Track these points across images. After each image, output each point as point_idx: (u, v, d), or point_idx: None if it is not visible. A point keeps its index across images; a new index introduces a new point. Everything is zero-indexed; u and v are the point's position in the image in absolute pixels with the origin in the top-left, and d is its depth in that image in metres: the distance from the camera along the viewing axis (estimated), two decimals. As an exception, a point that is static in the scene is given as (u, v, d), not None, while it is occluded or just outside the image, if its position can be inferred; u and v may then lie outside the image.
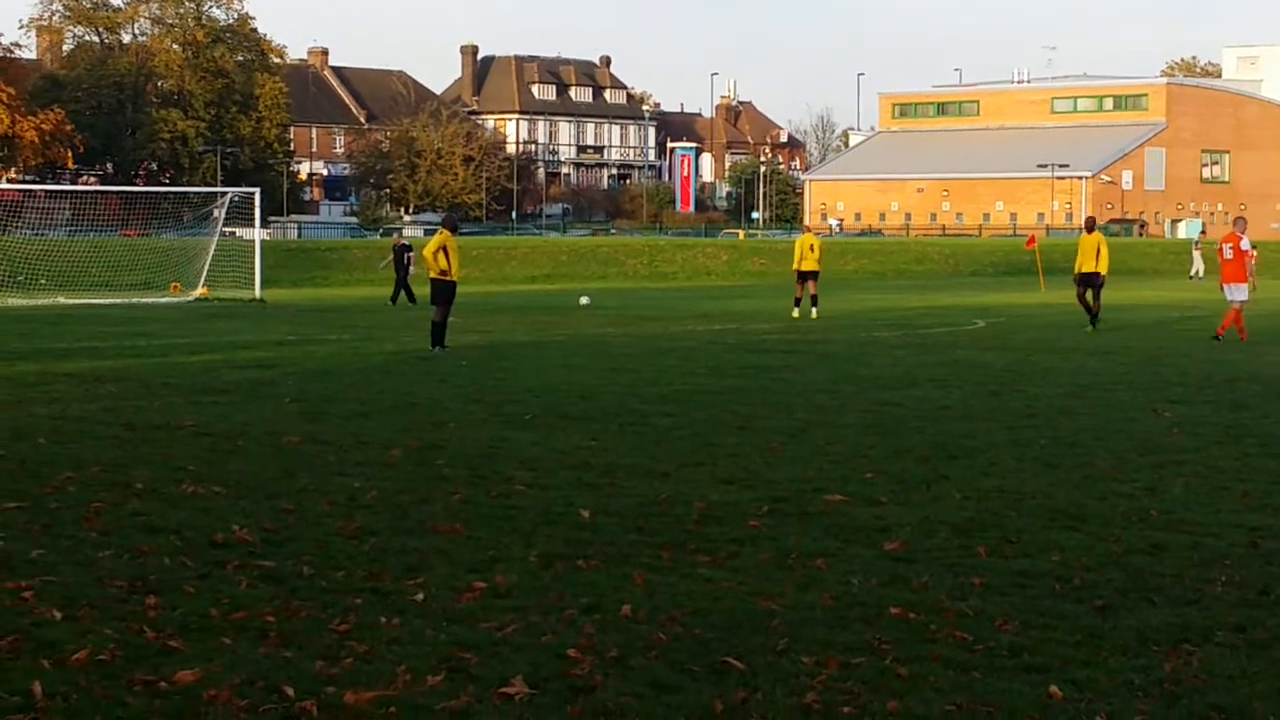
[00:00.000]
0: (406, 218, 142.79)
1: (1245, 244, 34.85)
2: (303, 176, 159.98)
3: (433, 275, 30.22)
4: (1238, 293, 34.23)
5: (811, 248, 43.26)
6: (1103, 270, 36.73)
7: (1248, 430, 18.50)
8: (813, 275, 42.80)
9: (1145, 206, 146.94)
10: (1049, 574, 10.82)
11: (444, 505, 13.26)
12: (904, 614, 9.71)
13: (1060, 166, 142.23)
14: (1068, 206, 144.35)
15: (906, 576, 10.74)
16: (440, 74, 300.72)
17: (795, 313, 42.48)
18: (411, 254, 50.96)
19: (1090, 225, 38.72)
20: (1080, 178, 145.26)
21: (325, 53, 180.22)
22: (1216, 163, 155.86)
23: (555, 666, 8.61)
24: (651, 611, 9.75)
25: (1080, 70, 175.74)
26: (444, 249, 30.02)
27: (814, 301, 42.53)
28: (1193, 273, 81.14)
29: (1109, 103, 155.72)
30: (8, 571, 10.69)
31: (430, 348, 29.63)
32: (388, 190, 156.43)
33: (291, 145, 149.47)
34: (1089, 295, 36.62)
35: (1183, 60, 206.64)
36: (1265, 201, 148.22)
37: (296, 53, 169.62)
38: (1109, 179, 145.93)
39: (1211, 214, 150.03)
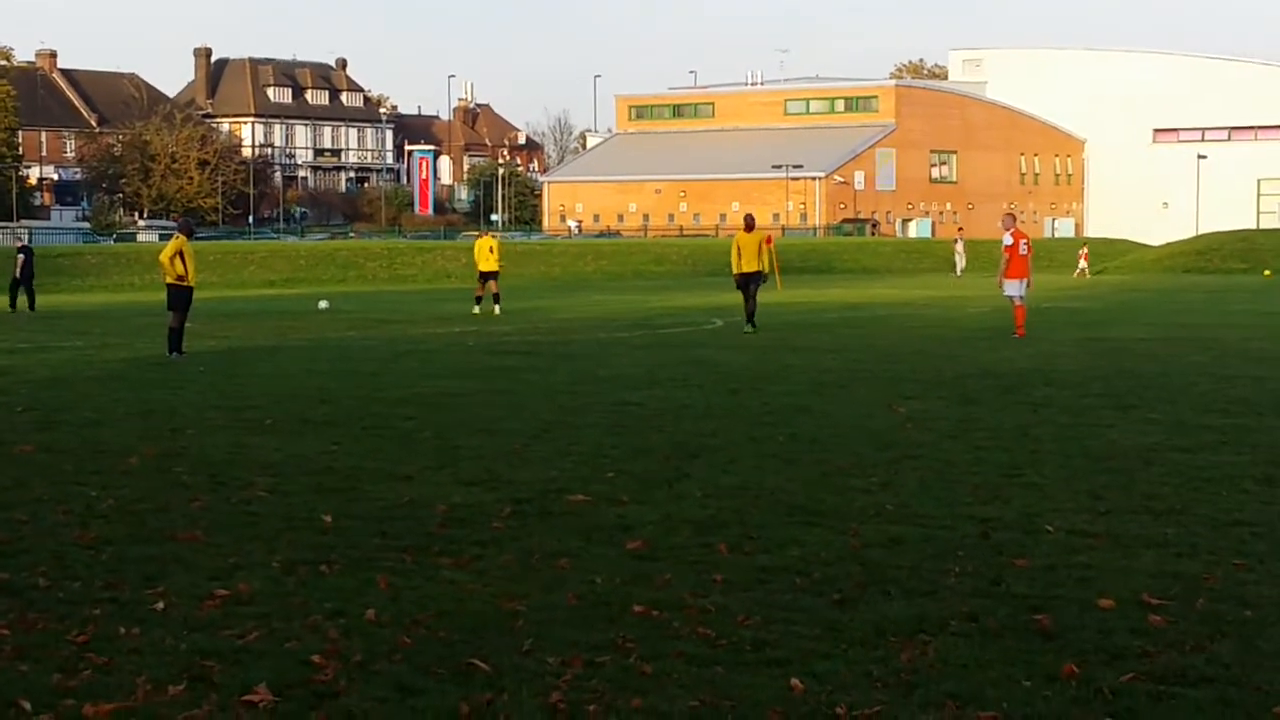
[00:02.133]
0: (141, 222, 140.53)
1: (1007, 239, 35.25)
2: (32, 181, 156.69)
3: (169, 280, 29.85)
4: (1022, 288, 34.60)
5: (490, 249, 46.68)
6: (765, 268, 36.98)
7: (979, 424, 18.92)
8: (493, 275, 46.25)
9: (877, 206, 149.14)
10: (789, 569, 10.97)
11: (183, 513, 13.10)
12: (647, 612, 9.80)
13: (794, 167, 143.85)
14: (802, 207, 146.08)
15: (649, 574, 10.83)
16: (173, 76, 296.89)
17: (475, 309, 45.45)
18: (30, 257, 51.33)
19: (750, 224, 38.26)
20: (814, 178, 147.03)
21: (54, 55, 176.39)
22: (945, 163, 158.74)
23: (299, 673, 8.56)
24: (396, 615, 9.74)
25: (813, 72, 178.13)
26: (180, 254, 29.71)
27: (496, 299, 45.83)
28: (956, 270, 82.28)
29: (840, 104, 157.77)
30: None
31: (167, 354, 29.24)
32: (121, 195, 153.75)
33: (20, 149, 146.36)
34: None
35: (910, 63, 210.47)
36: (991, 201, 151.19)
37: (24, 55, 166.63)
38: (842, 179, 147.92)
39: (940, 213, 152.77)
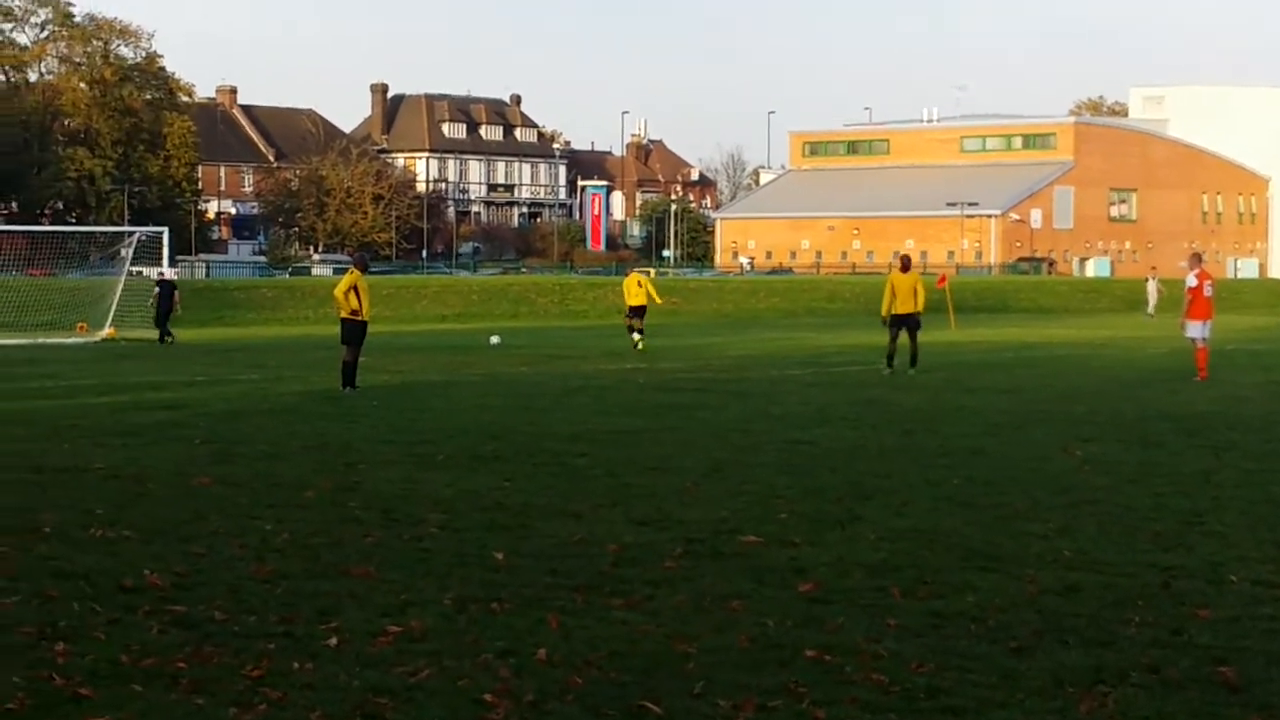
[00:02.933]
0: (316, 256, 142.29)
1: (1191, 280, 34.56)
2: (211, 215, 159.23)
3: (343, 315, 30.06)
4: (1206, 329, 33.80)
5: (639, 284, 47.38)
6: (920, 310, 35.42)
7: (1159, 468, 18.61)
8: (642, 310, 46.70)
9: (1054, 245, 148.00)
10: (964, 615, 10.82)
11: (357, 548, 13.15)
12: (820, 656, 9.69)
13: (970, 205, 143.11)
14: (977, 245, 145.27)
15: (821, 618, 10.72)
16: (350, 112, 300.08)
17: (636, 339, 46.00)
18: (176, 291, 52.45)
19: (906, 264, 36.87)
20: (989, 216, 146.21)
21: (234, 91, 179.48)
22: (1124, 201, 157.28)
23: (471, 711, 8.54)
24: (567, 655, 9.70)
25: (989, 109, 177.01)
26: (354, 288, 29.89)
27: (640, 332, 46.27)
28: (1149, 309, 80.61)
29: (1018, 141, 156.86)
30: (-87, 618, 10.53)
31: (341, 388, 29.46)
32: (297, 229, 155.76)
33: (199, 184, 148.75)
34: (904, 337, 35.08)
35: (1090, 100, 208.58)
36: (1172, 240, 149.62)
37: (205, 91, 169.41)
38: (1018, 217, 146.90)
39: (1120, 252, 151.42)
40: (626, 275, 51.48)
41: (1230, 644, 10.09)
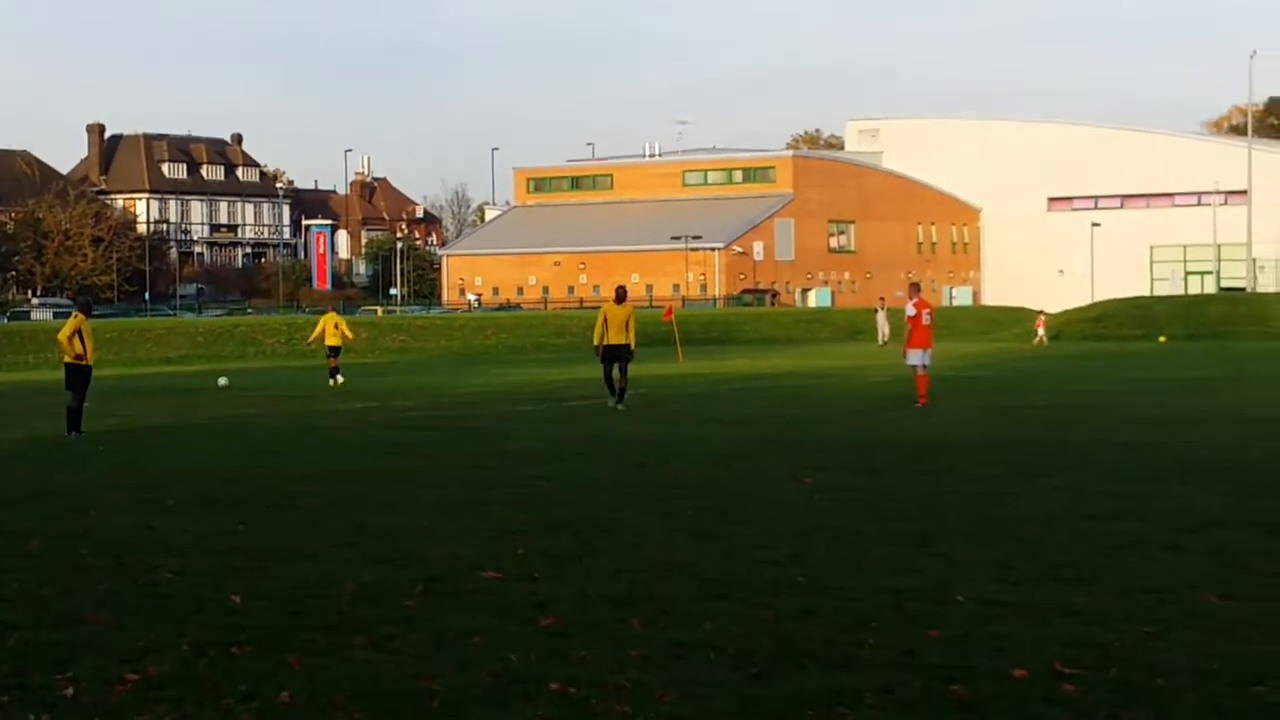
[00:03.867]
0: (35, 300, 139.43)
1: (910, 309, 35.32)
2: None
3: (67, 360, 29.58)
4: (926, 357, 34.53)
5: (335, 325, 48.79)
6: (632, 342, 35.12)
7: (885, 494, 19.01)
8: (337, 350, 48.62)
9: (777, 276, 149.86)
10: (703, 643, 10.97)
11: (90, 595, 12.96)
12: (564, 689, 9.77)
13: (693, 238, 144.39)
14: (702, 278, 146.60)
15: (564, 651, 10.80)
16: (66, 153, 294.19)
17: (331, 383, 46.97)
18: None
19: (621, 295, 36.41)
20: (713, 249, 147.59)
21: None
22: (843, 232, 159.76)
23: (215, 757, 8.48)
24: (311, 696, 9.66)
25: (710, 144, 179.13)
26: (79, 332, 29.41)
27: (336, 372, 47.86)
28: (880, 339, 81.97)
29: (739, 175, 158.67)
30: None
31: (66, 433, 28.96)
32: (14, 273, 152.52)
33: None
34: (616, 371, 34.80)
35: (807, 133, 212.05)
36: (890, 269, 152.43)
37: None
38: (741, 250, 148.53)
39: (840, 282, 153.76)
40: (324, 315, 52.46)
41: (960, 663, 10.35)
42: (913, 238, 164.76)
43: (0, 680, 10.20)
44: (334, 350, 48.50)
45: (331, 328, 48.52)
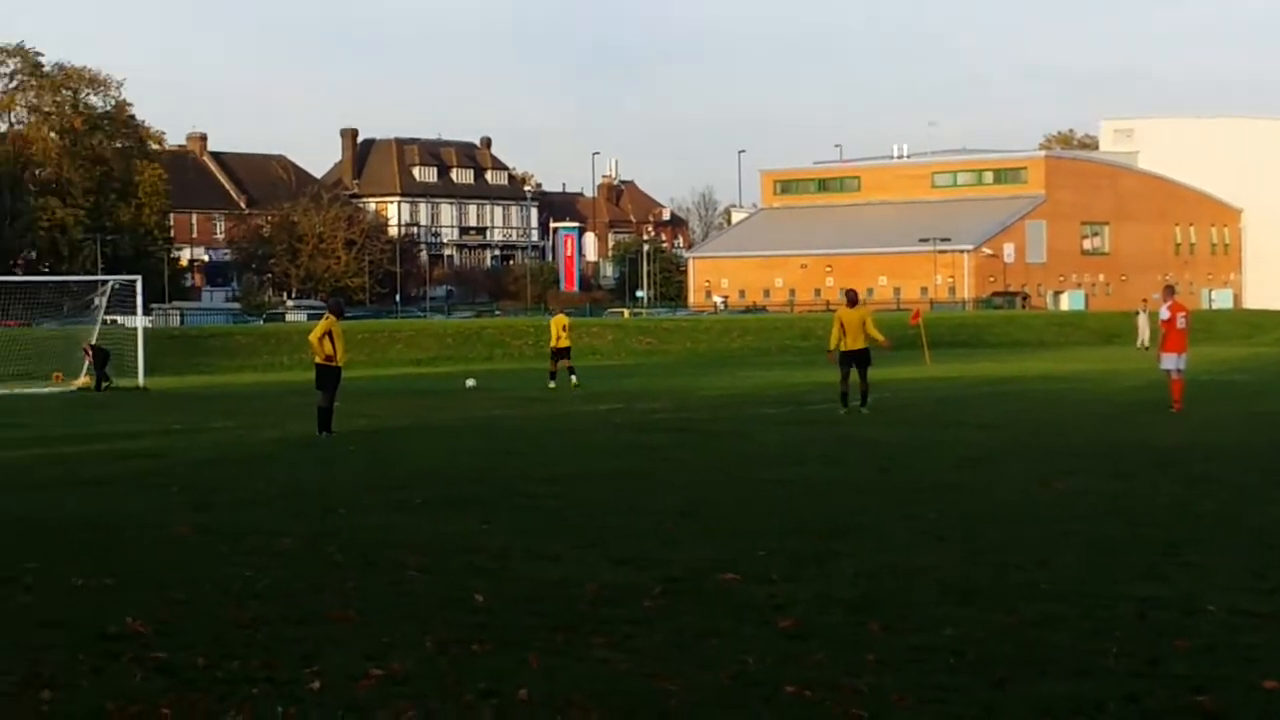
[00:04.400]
0: (290, 302, 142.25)
1: (1164, 313, 34.58)
2: (184, 262, 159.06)
3: (318, 360, 30.09)
4: (1180, 361, 33.81)
5: (564, 328, 48.93)
6: (880, 339, 34.63)
7: (1135, 500, 18.69)
8: (566, 352, 48.54)
9: (1027, 279, 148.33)
10: (943, 648, 10.86)
11: (337, 592, 13.17)
12: (799, 692, 9.73)
13: (942, 240, 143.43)
14: (951, 280, 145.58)
15: (801, 654, 10.76)
16: (321, 158, 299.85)
17: (551, 384, 47.39)
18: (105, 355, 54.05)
19: (853, 299, 35.86)
20: (962, 251, 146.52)
21: (204, 138, 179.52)
22: (1096, 234, 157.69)
23: (455, 753, 8.57)
24: (549, 695, 9.72)
25: (960, 144, 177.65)
26: (329, 334, 29.89)
27: (572, 371, 48.08)
28: (1139, 342, 80.00)
29: (989, 176, 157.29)
30: (-105, 670, 10.54)
31: (317, 433, 29.47)
32: (270, 275, 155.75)
33: (171, 231, 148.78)
34: (854, 374, 34.07)
35: (1060, 133, 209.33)
36: (1144, 272, 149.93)
37: (175, 138, 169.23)
38: (990, 252, 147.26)
39: (1093, 285, 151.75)
40: (552, 318, 53.09)
41: (1208, 673, 10.14)
42: (1170, 239, 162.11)
43: (250, 673, 10.40)
44: (563, 352, 48.67)
45: (561, 330, 48.81)
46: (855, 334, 34.29)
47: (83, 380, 53.10)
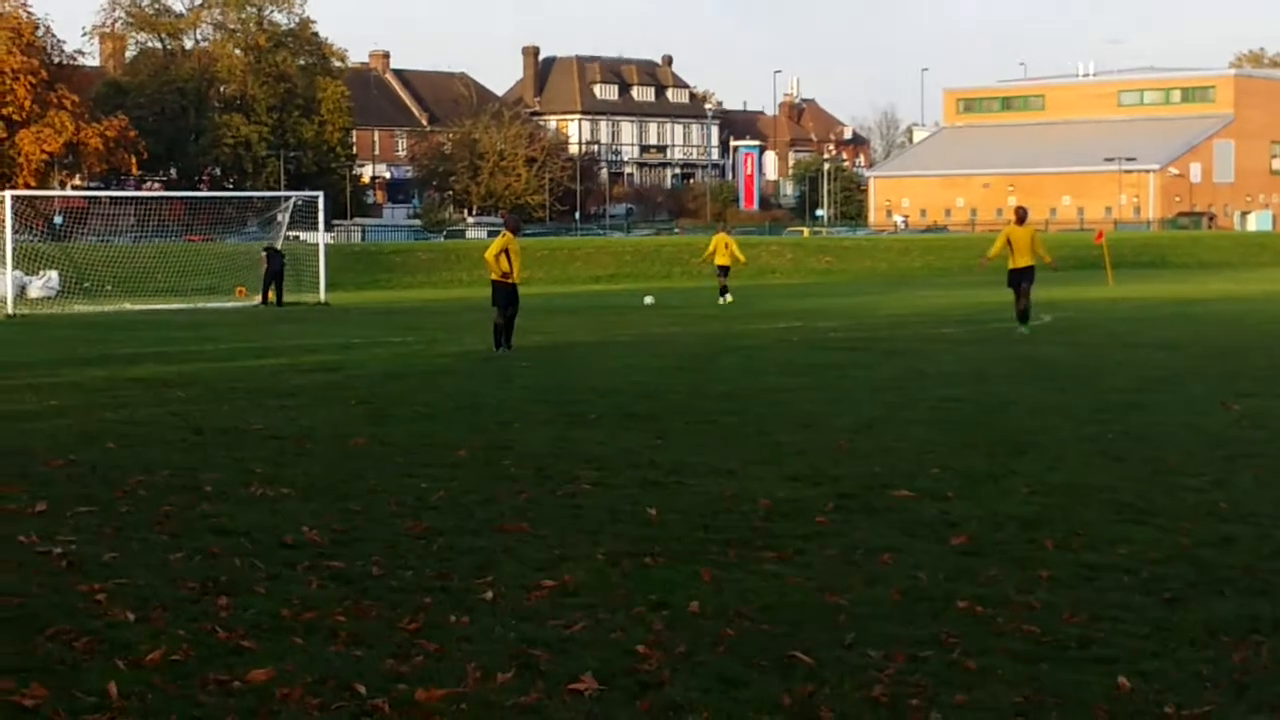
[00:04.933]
0: (470, 219, 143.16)
1: None
2: (365, 180, 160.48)
3: (494, 277, 30.23)
4: None
5: (726, 245, 50.27)
6: (1047, 258, 34.60)
7: (1317, 422, 18.40)
8: (726, 269, 50.08)
9: (1214, 199, 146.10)
10: (1116, 567, 10.79)
11: (511, 505, 13.29)
12: (971, 608, 9.71)
13: (1127, 160, 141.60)
14: (1135, 200, 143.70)
15: (973, 570, 10.73)
16: (502, 75, 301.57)
17: (720, 300, 49.03)
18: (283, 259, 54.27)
19: (1022, 216, 34.96)
20: (1147, 171, 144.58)
21: (386, 55, 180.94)
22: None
23: (624, 663, 8.64)
24: (719, 608, 9.77)
25: (1146, 63, 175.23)
26: (506, 251, 30.01)
27: (725, 291, 49.75)
28: None
29: (1176, 95, 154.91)
30: (81, 574, 10.78)
31: (494, 349, 29.68)
32: (450, 193, 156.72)
33: (354, 149, 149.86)
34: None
35: (1250, 52, 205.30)
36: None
37: (358, 56, 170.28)
38: (1177, 172, 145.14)
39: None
40: (715, 235, 53.57)
41: (1388, 594, 10.00)
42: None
43: (424, 583, 10.53)
44: (723, 270, 49.73)
45: (722, 247, 49.75)
46: (1024, 251, 33.96)
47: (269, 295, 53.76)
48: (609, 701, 8.05)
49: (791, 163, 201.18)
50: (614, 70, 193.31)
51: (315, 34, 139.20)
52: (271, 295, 53.03)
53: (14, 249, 51.00)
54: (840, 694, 8.12)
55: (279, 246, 55.71)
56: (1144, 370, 25.12)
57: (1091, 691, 8.13)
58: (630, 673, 8.47)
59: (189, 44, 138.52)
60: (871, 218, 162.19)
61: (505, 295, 30.01)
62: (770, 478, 14.64)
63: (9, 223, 50.35)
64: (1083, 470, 14.87)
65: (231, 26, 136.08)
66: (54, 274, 57.57)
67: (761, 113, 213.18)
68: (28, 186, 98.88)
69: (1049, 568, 10.76)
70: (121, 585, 10.42)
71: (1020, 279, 34.01)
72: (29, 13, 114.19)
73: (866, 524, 12.38)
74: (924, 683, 8.28)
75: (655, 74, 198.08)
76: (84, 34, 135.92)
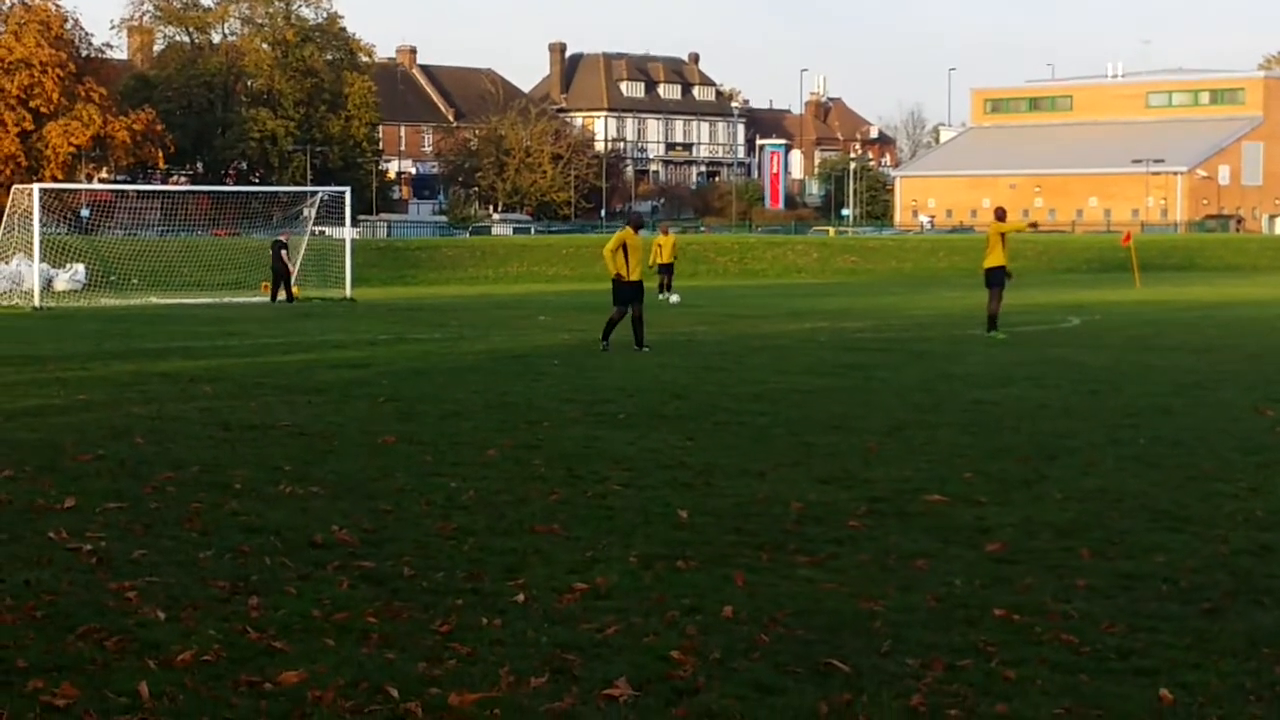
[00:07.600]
0: (496, 216, 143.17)
1: None
2: (391, 175, 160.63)
3: (611, 275, 29.78)
4: None
5: (665, 245, 52.09)
6: (1001, 263, 33.55)
7: (1351, 429, 18.27)
8: (669, 268, 51.72)
9: (1243, 202, 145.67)
10: (1154, 575, 10.69)
11: (541, 505, 13.23)
12: (1008, 616, 9.62)
13: (1155, 162, 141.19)
14: (1163, 202, 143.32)
15: (1009, 578, 10.64)
16: (528, 72, 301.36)
17: (662, 296, 49.58)
18: (286, 251, 53.17)
19: (1001, 215, 34.45)
20: (1175, 173, 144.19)
21: (413, 51, 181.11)
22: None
23: (658, 668, 8.56)
24: (753, 612, 9.69)
25: (1175, 64, 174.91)
26: (623, 247, 29.52)
27: (668, 287, 50.77)
28: None
29: (1205, 97, 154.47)
30: (110, 571, 10.74)
31: (601, 342, 29.69)
32: (476, 189, 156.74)
33: (380, 144, 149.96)
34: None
35: None
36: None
37: (385, 51, 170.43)
38: (1205, 174, 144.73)
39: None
40: (660, 235, 54.88)
41: None
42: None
43: (455, 584, 10.46)
44: (665, 268, 51.29)
45: (670, 247, 51.53)
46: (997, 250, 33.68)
47: (292, 290, 53.60)
48: (644, 708, 7.97)
49: (817, 162, 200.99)
50: (640, 67, 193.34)
51: (343, 29, 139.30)
52: (280, 293, 52.32)
53: (41, 241, 51.09)
54: (878, 703, 8.03)
55: (284, 239, 55.17)
56: (1174, 374, 24.99)
57: (1134, 704, 8.03)
58: (664, 678, 8.39)
59: (216, 38, 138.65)
60: (897, 218, 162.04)
61: (628, 293, 29.52)
62: (801, 480, 14.56)
63: (36, 215, 50.39)
64: (1117, 476, 14.76)
65: (259, 21, 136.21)
66: (80, 267, 57.67)
67: (788, 111, 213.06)
68: (55, 179, 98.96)
69: (1086, 576, 10.66)
70: (152, 583, 10.37)
71: (998, 278, 33.63)
72: (58, 6, 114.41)
73: (899, 529, 12.30)
74: (963, 692, 8.19)
75: (682, 71, 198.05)
76: (112, 27, 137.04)
